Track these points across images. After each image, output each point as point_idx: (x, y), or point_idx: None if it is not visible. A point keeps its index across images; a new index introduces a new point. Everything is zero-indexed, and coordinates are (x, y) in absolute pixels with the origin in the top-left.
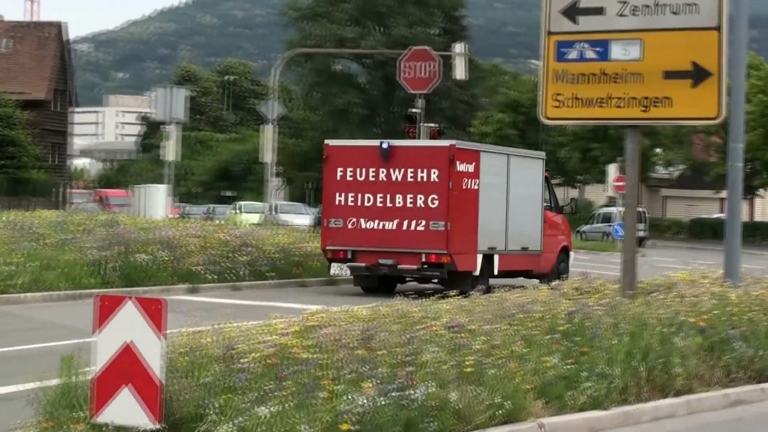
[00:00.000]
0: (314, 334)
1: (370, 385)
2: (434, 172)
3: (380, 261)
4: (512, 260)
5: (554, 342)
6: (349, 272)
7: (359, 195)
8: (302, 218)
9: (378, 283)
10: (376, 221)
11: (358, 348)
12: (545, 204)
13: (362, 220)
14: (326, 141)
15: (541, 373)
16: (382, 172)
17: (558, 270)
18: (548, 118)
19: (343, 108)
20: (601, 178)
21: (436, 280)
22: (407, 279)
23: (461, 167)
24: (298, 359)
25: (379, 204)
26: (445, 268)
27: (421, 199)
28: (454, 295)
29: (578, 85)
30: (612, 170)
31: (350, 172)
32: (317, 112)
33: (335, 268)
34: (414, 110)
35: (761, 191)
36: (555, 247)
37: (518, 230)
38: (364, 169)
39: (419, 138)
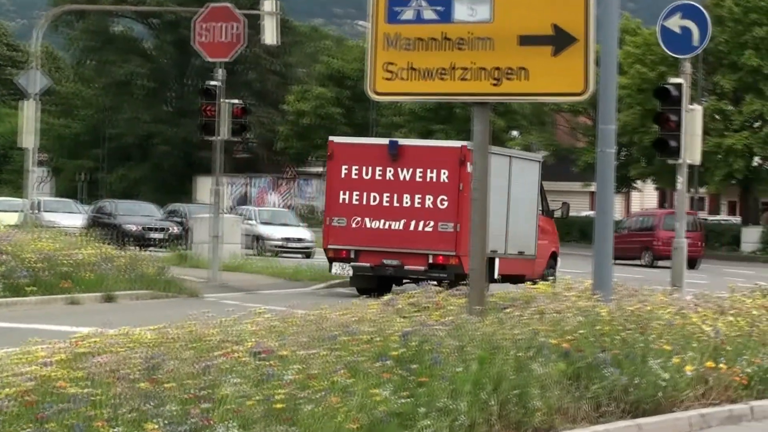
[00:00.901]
0: (85, 364)
1: (156, 426)
2: (444, 173)
3: (385, 261)
4: (511, 264)
5: (385, 370)
6: (351, 272)
7: (364, 194)
8: (72, 218)
9: (377, 284)
10: (382, 221)
11: (141, 380)
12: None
13: (367, 220)
14: (331, 138)
15: (369, 410)
16: (389, 171)
17: (546, 276)
18: (378, 94)
19: (125, 80)
20: None
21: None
22: (403, 281)
23: (471, 168)
24: (64, 395)
25: (385, 203)
26: (452, 270)
27: (429, 199)
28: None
29: (415, 53)
30: None
31: (355, 170)
32: (92, 85)
33: (337, 268)
34: (213, 83)
35: (639, 183)
36: (546, 252)
37: (516, 234)
38: (370, 168)
39: (219, 117)
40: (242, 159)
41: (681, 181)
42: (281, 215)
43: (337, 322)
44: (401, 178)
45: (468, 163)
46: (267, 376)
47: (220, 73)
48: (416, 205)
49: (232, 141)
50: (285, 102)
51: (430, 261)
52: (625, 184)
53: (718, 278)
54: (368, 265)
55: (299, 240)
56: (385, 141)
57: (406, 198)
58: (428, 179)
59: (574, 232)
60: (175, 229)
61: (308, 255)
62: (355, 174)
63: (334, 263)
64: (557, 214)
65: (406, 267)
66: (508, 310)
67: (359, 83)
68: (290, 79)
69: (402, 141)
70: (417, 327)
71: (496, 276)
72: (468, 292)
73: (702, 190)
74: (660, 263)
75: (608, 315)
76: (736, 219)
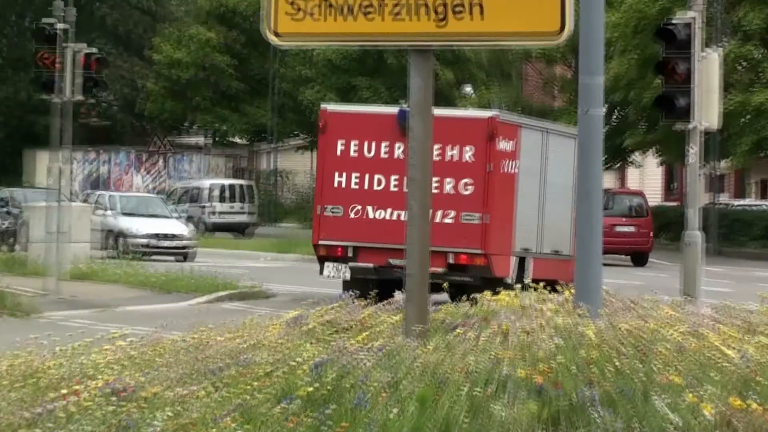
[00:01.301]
0: None
1: None
2: (469, 150)
3: (391, 261)
4: (545, 266)
5: (291, 414)
6: (348, 274)
7: (367, 176)
8: None
9: (374, 288)
10: (389, 210)
11: None
12: None
13: (370, 209)
14: (323, 105)
15: None
16: (398, 147)
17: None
18: (280, 37)
19: None
20: None
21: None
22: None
23: (502, 145)
24: None
25: (393, 188)
26: (478, 272)
27: (450, 183)
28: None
29: None
30: None
31: (355, 146)
32: None
33: (330, 269)
34: (51, 22)
35: (637, 156)
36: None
37: (552, 229)
38: (374, 143)
39: (63, 69)
40: (96, 127)
41: (693, 152)
42: (149, 203)
43: (225, 349)
44: None
45: (499, 138)
46: (127, 425)
47: (66, 10)
48: (433, 190)
49: (80, 102)
50: (155, 49)
51: (450, 261)
52: (618, 156)
53: (745, 285)
54: (371, 265)
55: (173, 237)
56: (392, 110)
57: None
58: (448, 158)
59: None
60: (4, 224)
61: (185, 257)
62: (355, 151)
63: (326, 263)
64: None
65: None
66: (459, 331)
67: (255, 23)
68: (162, 19)
69: None
70: (334, 355)
71: (528, 280)
72: (404, 306)
73: (722, 165)
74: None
75: (597, 336)
76: None
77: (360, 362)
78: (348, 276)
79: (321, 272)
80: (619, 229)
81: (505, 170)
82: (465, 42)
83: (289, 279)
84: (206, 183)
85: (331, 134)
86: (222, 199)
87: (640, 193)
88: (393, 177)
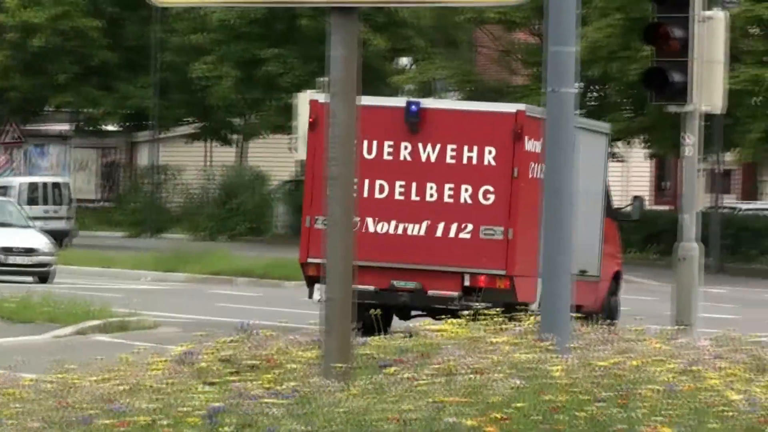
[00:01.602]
0: None
1: None
2: (490, 152)
3: (395, 283)
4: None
5: None
6: None
7: (366, 181)
8: None
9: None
10: (393, 223)
11: None
12: None
13: (370, 221)
14: (314, 96)
15: None
16: (406, 147)
17: (609, 307)
18: None
19: None
20: (281, 123)
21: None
22: (412, 315)
23: (529, 145)
24: None
25: (399, 196)
26: (500, 296)
27: (467, 191)
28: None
29: None
30: (306, 104)
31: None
32: None
33: (321, 293)
34: None
35: (621, 146)
36: (608, 270)
37: (579, 244)
38: (375, 142)
39: None
40: None
41: (690, 142)
42: None
43: (95, 393)
44: (424, 158)
45: (527, 138)
46: None
47: None
48: (446, 199)
49: None
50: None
51: (467, 283)
52: None
53: (754, 310)
54: (372, 288)
55: (28, 252)
56: (400, 102)
57: (431, 188)
58: (465, 161)
59: None
60: None
61: (45, 277)
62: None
63: (316, 285)
64: (624, 214)
65: (429, 292)
66: (392, 369)
67: None
68: None
69: (426, 102)
70: (234, 400)
71: None
72: (322, 339)
73: (728, 159)
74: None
75: (566, 376)
76: None
77: (266, 410)
78: None
79: (310, 296)
80: None
81: (532, 175)
82: (398, 2)
83: (177, 305)
84: (16, 181)
85: (323, 131)
86: (32, 201)
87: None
88: (398, 183)
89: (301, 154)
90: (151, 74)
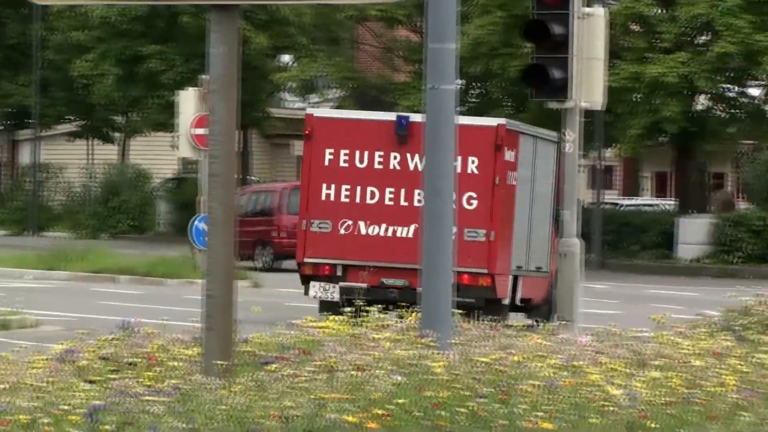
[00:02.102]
0: None
1: None
2: (473, 162)
3: (385, 281)
4: (530, 285)
5: None
6: (337, 295)
7: (358, 188)
8: None
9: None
10: (383, 226)
11: None
12: None
13: (362, 224)
14: (309, 110)
15: None
16: (395, 157)
17: (550, 299)
18: None
19: None
20: (163, 120)
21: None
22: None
23: (507, 155)
24: None
25: (388, 202)
26: (481, 293)
27: (452, 197)
28: None
29: None
30: (188, 102)
31: (345, 155)
32: None
33: (316, 290)
34: None
35: None
36: (552, 266)
37: (536, 243)
38: (366, 152)
39: None
40: None
41: (570, 138)
42: None
43: None
44: (411, 167)
45: (506, 149)
46: None
47: None
48: None
49: None
50: None
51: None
52: None
53: (635, 305)
54: (364, 285)
55: None
56: (389, 116)
57: (419, 195)
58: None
59: None
60: None
61: None
62: (345, 161)
63: (312, 283)
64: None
65: (416, 289)
66: (273, 367)
67: None
68: None
69: (414, 117)
70: (115, 398)
71: (518, 302)
72: (203, 337)
73: (609, 154)
74: (284, 265)
75: (447, 372)
76: (668, 203)
77: (147, 407)
78: (337, 297)
79: (306, 292)
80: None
81: (509, 182)
82: None
83: (59, 303)
84: None
85: (318, 142)
86: None
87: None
88: (388, 189)
89: (183, 151)
90: (33, 72)
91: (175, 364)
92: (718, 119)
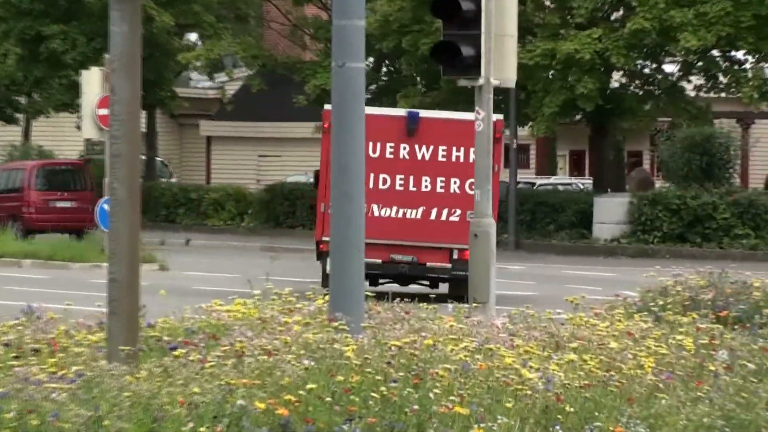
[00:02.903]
0: None
1: None
2: (473, 152)
3: (394, 257)
4: None
5: None
6: None
7: (371, 175)
8: None
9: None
10: (394, 208)
11: None
12: None
13: (375, 207)
14: (327, 106)
15: None
16: (404, 148)
17: None
18: None
19: None
20: (67, 101)
21: (428, 283)
22: (380, 281)
23: (501, 147)
24: None
25: (398, 187)
26: None
27: (455, 183)
28: None
29: None
30: (92, 81)
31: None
32: None
33: (329, 266)
34: None
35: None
36: None
37: None
38: (379, 144)
39: None
40: None
41: (481, 116)
42: None
43: None
44: (419, 157)
45: (500, 139)
46: None
47: None
48: (438, 189)
49: None
50: None
51: (455, 257)
52: None
53: (551, 286)
54: (378, 261)
55: None
56: (401, 112)
57: (426, 181)
58: (454, 158)
59: (304, 208)
60: None
61: None
62: None
63: (329, 260)
64: None
65: (428, 264)
66: (180, 352)
67: None
68: None
69: (423, 113)
70: (17, 386)
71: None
72: (107, 322)
73: (524, 133)
74: (36, 239)
75: (358, 356)
76: (584, 182)
77: (50, 394)
78: None
79: (324, 269)
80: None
81: (499, 170)
82: None
83: None
84: None
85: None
86: None
87: (79, 164)
88: (398, 176)
89: (88, 132)
90: None
91: (80, 350)
92: (634, 96)
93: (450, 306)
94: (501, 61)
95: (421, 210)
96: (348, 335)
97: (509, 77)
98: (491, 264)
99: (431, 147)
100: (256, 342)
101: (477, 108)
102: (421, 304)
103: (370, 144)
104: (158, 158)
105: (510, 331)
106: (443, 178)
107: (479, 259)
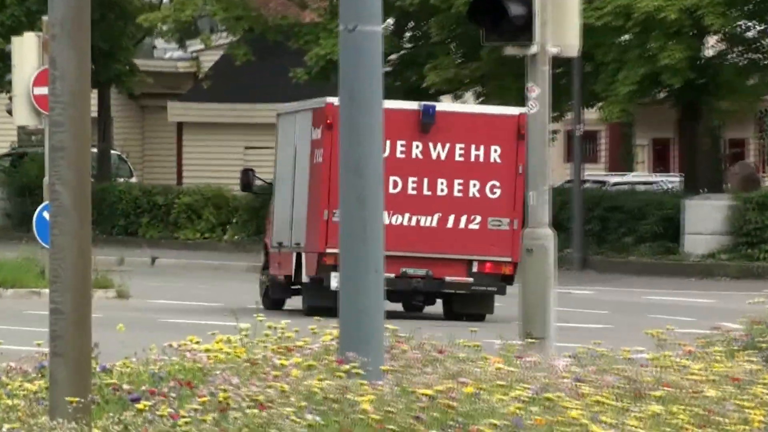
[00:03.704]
0: None
1: None
2: (495, 150)
3: (406, 270)
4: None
5: None
6: None
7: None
8: None
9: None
10: (406, 215)
11: None
12: None
13: (384, 214)
14: (329, 100)
15: None
16: (417, 146)
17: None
18: None
19: None
20: None
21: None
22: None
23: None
24: None
25: (411, 191)
26: (505, 282)
27: (475, 186)
28: None
29: None
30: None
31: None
32: None
33: (338, 281)
34: None
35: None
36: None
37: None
38: (389, 142)
39: None
40: None
41: (535, 95)
42: None
43: None
44: (434, 156)
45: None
46: None
47: None
48: (456, 193)
49: None
50: None
51: (474, 269)
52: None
53: (629, 316)
54: (391, 276)
55: None
56: (412, 105)
57: (442, 184)
58: (473, 158)
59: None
60: None
61: None
62: None
63: (333, 274)
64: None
65: (446, 279)
66: (144, 404)
67: None
68: None
69: (440, 106)
70: None
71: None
72: (49, 366)
73: (591, 117)
74: None
75: (377, 409)
76: (671, 180)
77: None
78: None
79: (324, 282)
80: None
81: (524, 172)
82: None
83: None
84: None
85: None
86: None
87: None
88: (411, 179)
89: (21, 118)
90: None
91: (14, 402)
92: (734, 67)
93: (497, 342)
94: (560, 22)
95: (436, 217)
96: (364, 381)
97: (571, 43)
98: (550, 288)
99: (447, 145)
100: (244, 391)
101: (529, 84)
102: (458, 340)
103: None
104: (114, 151)
105: (575, 375)
106: (461, 181)
107: (535, 281)
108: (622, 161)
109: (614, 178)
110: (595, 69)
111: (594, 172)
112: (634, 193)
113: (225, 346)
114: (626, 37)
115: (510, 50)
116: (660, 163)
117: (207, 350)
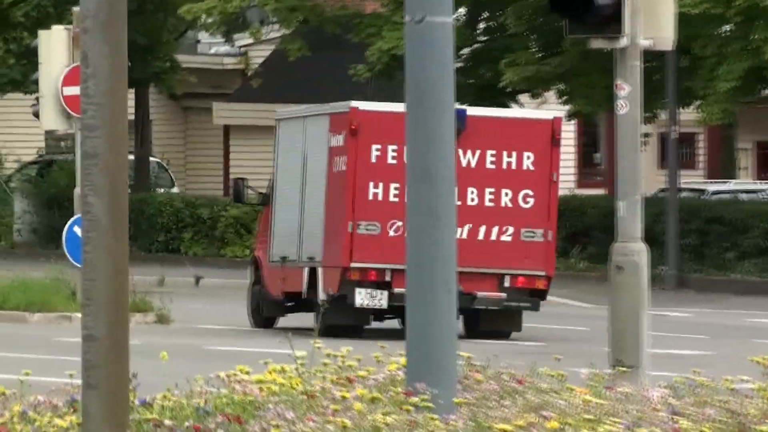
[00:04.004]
0: None
1: None
2: (528, 157)
3: None
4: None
5: None
6: (386, 302)
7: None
8: None
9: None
10: None
11: None
12: None
13: None
14: (353, 104)
15: None
16: None
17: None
18: None
19: None
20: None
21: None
22: (386, 316)
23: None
24: None
25: None
26: (537, 296)
27: (507, 195)
28: None
29: None
30: (55, 47)
31: (393, 151)
32: None
33: (363, 297)
34: None
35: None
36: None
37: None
38: None
39: None
40: None
41: (625, 94)
42: None
43: None
44: (464, 163)
45: (562, 143)
46: None
47: None
48: (487, 203)
49: None
50: None
51: (506, 284)
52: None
53: (732, 341)
54: None
55: None
56: None
57: (472, 193)
58: (505, 165)
59: None
60: None
61: None
62: (393, 158)
63: (357, 290)
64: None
65: (471, 294)
66: None
67: None
68: None
69: (472, 111)
70: None
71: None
72: (82, 399)
73: (688, 117)
74: None
75: None
76: None
77: None
78: (385, 304)
79: (347, 299)
80: None
81: (559, 179)
82: None
83: None
84: None
85: (364, 138)
86: None
87: None
88: None
89: (49, 122)
90: None
91: None
92: None
93: (583, 371)
94: (653, 11)
95: (466, 228)
96: (434, 416)
97: (665, 35)
98: (643, 310)
99: (477, 151)
100: (299, 427)
101: (618, 81)
102: (541, 368)
103: (405, 149)
104: (153, 158)
105: (672, 407)
106: (492, 189)
107: (626, 302)
108: (722, 167)
109: (714, 186)
110: (692, 64)
111: (691, 179)
112: (736, 203)
113: (279, 377)
114: (727, 27)
115: (596, 43)
116: (765, 170)
117: (258, 381)
